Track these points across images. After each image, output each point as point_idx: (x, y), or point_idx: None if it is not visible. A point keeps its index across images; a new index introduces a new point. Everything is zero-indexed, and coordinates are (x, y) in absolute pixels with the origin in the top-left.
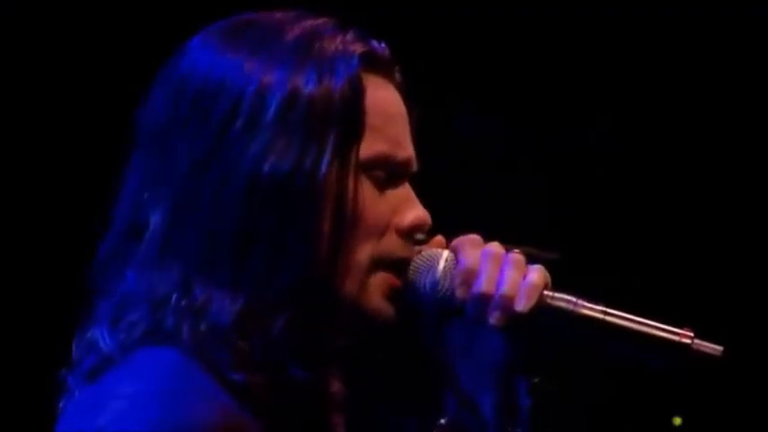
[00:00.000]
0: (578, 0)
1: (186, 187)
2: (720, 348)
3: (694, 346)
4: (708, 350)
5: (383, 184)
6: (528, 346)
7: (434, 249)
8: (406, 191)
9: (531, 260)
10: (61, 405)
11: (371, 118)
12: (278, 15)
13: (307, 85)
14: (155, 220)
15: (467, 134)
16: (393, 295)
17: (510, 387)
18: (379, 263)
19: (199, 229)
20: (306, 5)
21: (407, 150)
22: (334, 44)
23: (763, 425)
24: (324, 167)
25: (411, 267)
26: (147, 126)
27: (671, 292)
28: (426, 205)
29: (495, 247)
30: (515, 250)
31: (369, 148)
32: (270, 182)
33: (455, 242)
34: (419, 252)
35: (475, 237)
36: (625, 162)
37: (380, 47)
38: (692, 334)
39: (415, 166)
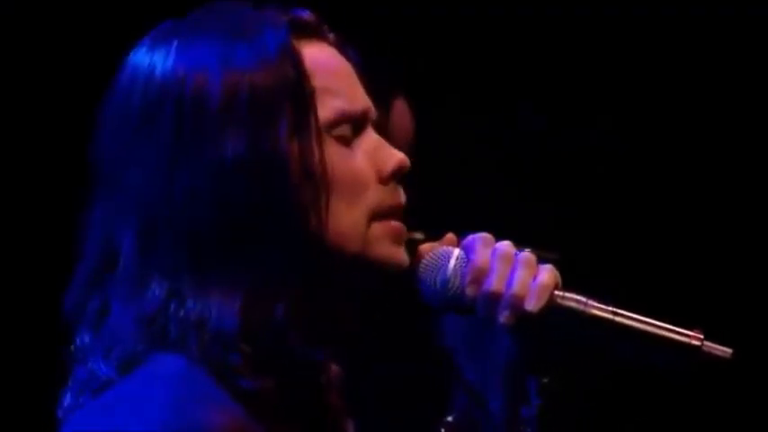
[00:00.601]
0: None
1: (152, 201)
2: (730, 351)
3: (704, 348)
4: (718, 352)
5: (350, 140)
6: (538, 346)
7: (445, 247)
8: (374, 139)
9: (542, 260)
10: (60, 415)
11: (316, 80)
12: (200, 10)
13: (243, 67)
14: (125, 244)
15: (468, 133)
16: (399, 239)
17: (519, 387)
18: (374, 215)
19: (176, 240)
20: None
21: (362, 101)
22: (258, 21)
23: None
24: (283, 142)
25: (421, 264)
26: (100, 158)
27: (676, 293)
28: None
29: (507, 246)
30: (526, 250)
31: (323, 108)
32: (235, 170)
33: (466, 240)
34: (430, 250)
35: (486, 235)
36: (625, 162)
37: (305, 12)
38: (702, 336)
39: (374, 114)
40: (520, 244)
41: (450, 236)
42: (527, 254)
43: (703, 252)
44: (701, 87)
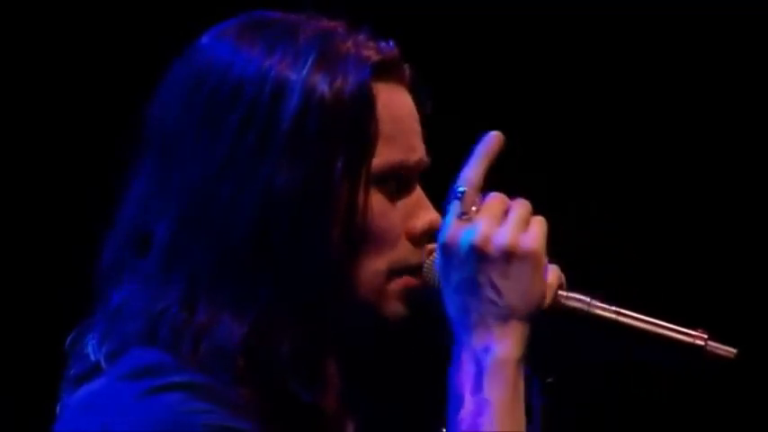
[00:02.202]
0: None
1: (196, 199)
2: (734, 350)
3: (708, 348)
4: (721, 352)
5: (394, 194)
6: (542, 346)
7: None
8: (416, 195)
9: None
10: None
11: (384, 126)
12: (291, 16)
13: (319, 98)
14: (161, 230)
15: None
16: (409, 296)
17: (524, 386)
18: (395, 271)
19: (208, 244)
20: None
21: (419, 152)
22: (345, 49)
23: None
24: (335, 184)
25: (425, 265)
26: (156, 126)
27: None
28: (436, 203)
29: None
30: None
31: (381, 158)
32: (282, 197)
33: None
34: (432, 250)
35: None
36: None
37: (391, 50)
38: (705, 335)
39: (426, 165)
40: None
41: None
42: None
43: (708, 252)
44: (699, 87)
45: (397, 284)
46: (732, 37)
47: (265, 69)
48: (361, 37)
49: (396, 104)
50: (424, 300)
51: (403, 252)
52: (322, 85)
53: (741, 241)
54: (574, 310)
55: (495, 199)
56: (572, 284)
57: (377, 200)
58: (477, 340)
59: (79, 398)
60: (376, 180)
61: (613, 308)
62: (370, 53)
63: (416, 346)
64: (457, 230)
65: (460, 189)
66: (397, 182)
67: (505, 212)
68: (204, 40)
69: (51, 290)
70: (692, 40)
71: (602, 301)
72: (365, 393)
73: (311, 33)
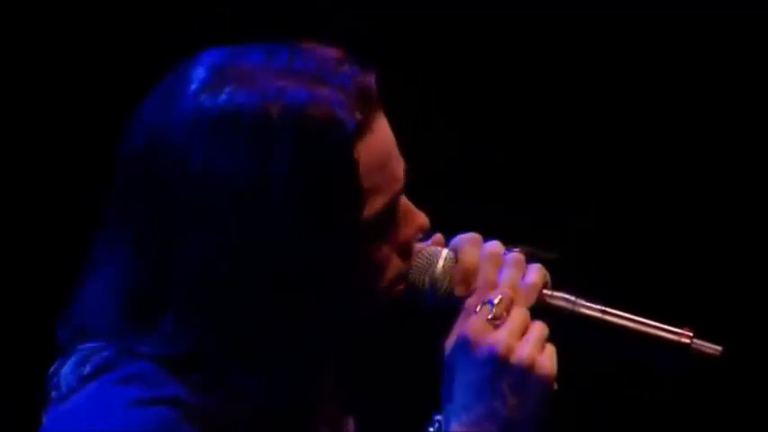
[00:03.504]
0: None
1: (199, 287)
2: (720, 348)
3: (693, 346)
4: (707, 350)
5: (386, 228)
6: None
7: (434, 248)
8: (401, 207)
9: (531, 260)
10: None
11: (367, 179)
12: (260, 77)
13: (302, 186)
14: (167, 316)
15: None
16: (396, 297)
17: None
18: (388, 286)
19: (216, 323)
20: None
21: (401, 178)
22: (322, 117)
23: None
24: (333, 252)
25: (412, 268)
26: (142, 208)
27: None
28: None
29: (495, 246)
30: (515, 249)
31: (370, 208)
32: (285, 279)
33: (454, 241)
34: (419, 251)
35: (474, 235)
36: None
37: (370, 84)
38: (691, 333)
39: (403, 180)
40: (520, 243)
41: (438, 237)
42: (515, 253)
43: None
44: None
45: (390, 295)
46: (732, 37)
47: (245, 168)
48: (339, 85)
49: (377, 143)
50: (411, 300)
51: (395, 270)
52: (303, 175)
53: (741, 242)
54: (559, 309)
55: (519, 313)
56: (565, 284)
57: (369, 241)
58: None
59: (67, 405)
60: (365, 227)
61: (599, 306)
62: (350, 111)
63: (404, 346)
64: (484, 332)
65: (497, 299)
66: (387, 218)
67: (526, 327)
68: (176, 126)
69: (51, 289)
70: (692, 40)
71: (588, 300)
72: (356, 396)
73: (283, 108)
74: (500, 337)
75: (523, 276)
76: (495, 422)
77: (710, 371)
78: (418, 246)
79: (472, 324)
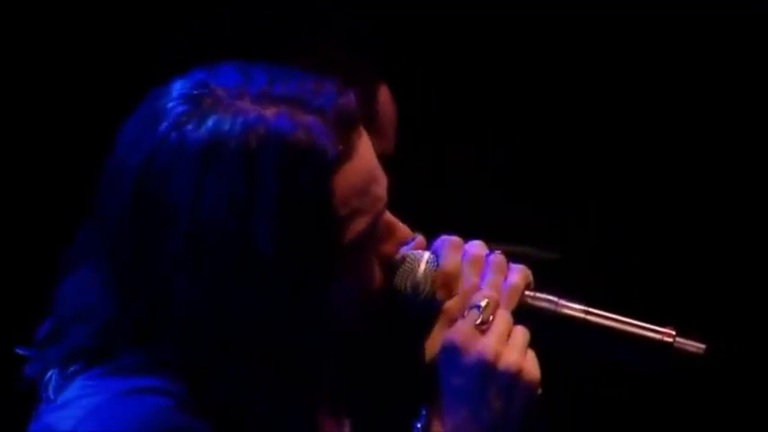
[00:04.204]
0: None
1: (185, 319)
2: (703, 346)
3: (676, 345)
4: (690, 348)
5: (368, 245)
6: None
7: (415, 251)
8: (384, 223)
9: (528, 261)
10: None
11: (347, 205)
12: (238, 112)
13: (282, 203)
14: (156, 341)
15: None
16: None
17: None
18: (375, 297)
19: (214, 341)
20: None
21: (383, 198)
22: (302, 147)
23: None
24: (317, 277)
25: (397, 273)
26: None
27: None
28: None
29: (477, 248)
30: (497, 251)
31: (350, 232)
32: (270, 291)
33: (436, 244)
34: (401, 255)
35: (455, 238)
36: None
37: (349, 106)
38: (674, 332)
39: (386, 194)
40: (519, 244)
41: (419, 239)
42: (497, 256)
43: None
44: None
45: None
46: (732, 37)
47: (230, 198)
48: (319, 110)
49: (358, 168)
50: (396, 304)
51: (379, 281)
52: (284, 202)
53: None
54: (542, 310)
55: (503, 317)
56: (550, 285)
57: (352, 262)
58: None
59: (57, 403)
60: (349, 249)
61: (581, 307)
62: (330, 140)
63: (395, 348)
64: (472, 338)
65: (483, 303)
66: (369, 236)
67: (510, 330)
68: (160, 156)
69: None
70: (692, 39)
71: (570, 301)
72: (351, 398)
73: (264, 138)
74: (487, 343)
75: (505, 278)
76: (480, 426)
77: (693, 370)
78: (401, 252)
79: (460, 330)
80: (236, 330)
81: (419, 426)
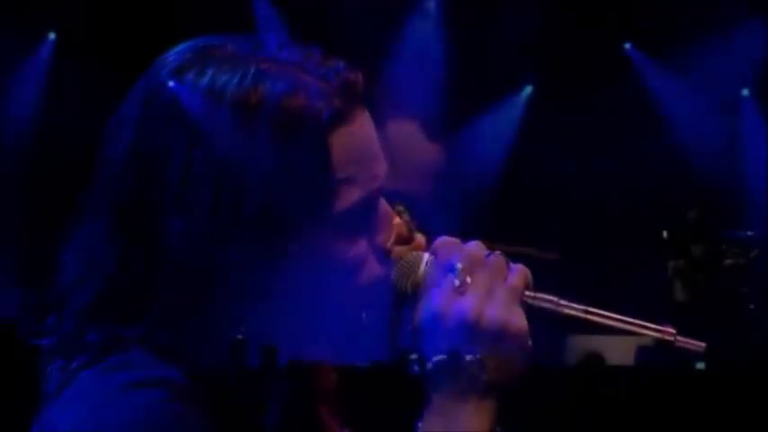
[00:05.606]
0: None
1: (181, 274)
2: (704, 345)
3: (677, 343)
4: (691, 347)
5: (359, 222)
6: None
7: (415, 252)
8: (380, 210)
9: (529, 261)
10: None
11: (343, 170)
12: (241, 70)
13: (278, 160)
14: (154, 305)
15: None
16: (381, 304)
17: None
18: (364, 287)
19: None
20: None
21: (380, 177)
22: (300, 107)
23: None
24: (304, 241)
25: (395, 271)
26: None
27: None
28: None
29: (476, 248)
30: (496, 252)
31: (343, 200)
32: (264, 255)
33: (435, 244)
34: (400, 256)
35: (453, 239)
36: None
37: (355, 82)
38: (674, 331)
39: (384, 179)
40: (520, 244)
41: (419, 240)
42: (496, 256)
43: None
44: None
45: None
46: None
47: (227, 150)
48: (322, 76)
49: (355, 135)
50: (395, 306)
51: (373, 269)
52: (280, 159)
53: None
54: (542, 310)
55: (484, 273)
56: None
57: (342, 237)
58: (450, 410)
59: (60, 399)
60: (338, 220)
61: (582, 307)
62: (328, 100)
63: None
64: (449, 301)
65: (458, 265)
66: (362, 211)
67: (493, 285)
68: (161, 102)
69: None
70: None
71: (570, 301)
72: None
73: (262, 94)
74: (467, 303)
75: (505, 279)
76: (477, 388)
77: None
78: (399, 251)
79: (438, 295)
80: (227, 283)
81: (421, 425)
